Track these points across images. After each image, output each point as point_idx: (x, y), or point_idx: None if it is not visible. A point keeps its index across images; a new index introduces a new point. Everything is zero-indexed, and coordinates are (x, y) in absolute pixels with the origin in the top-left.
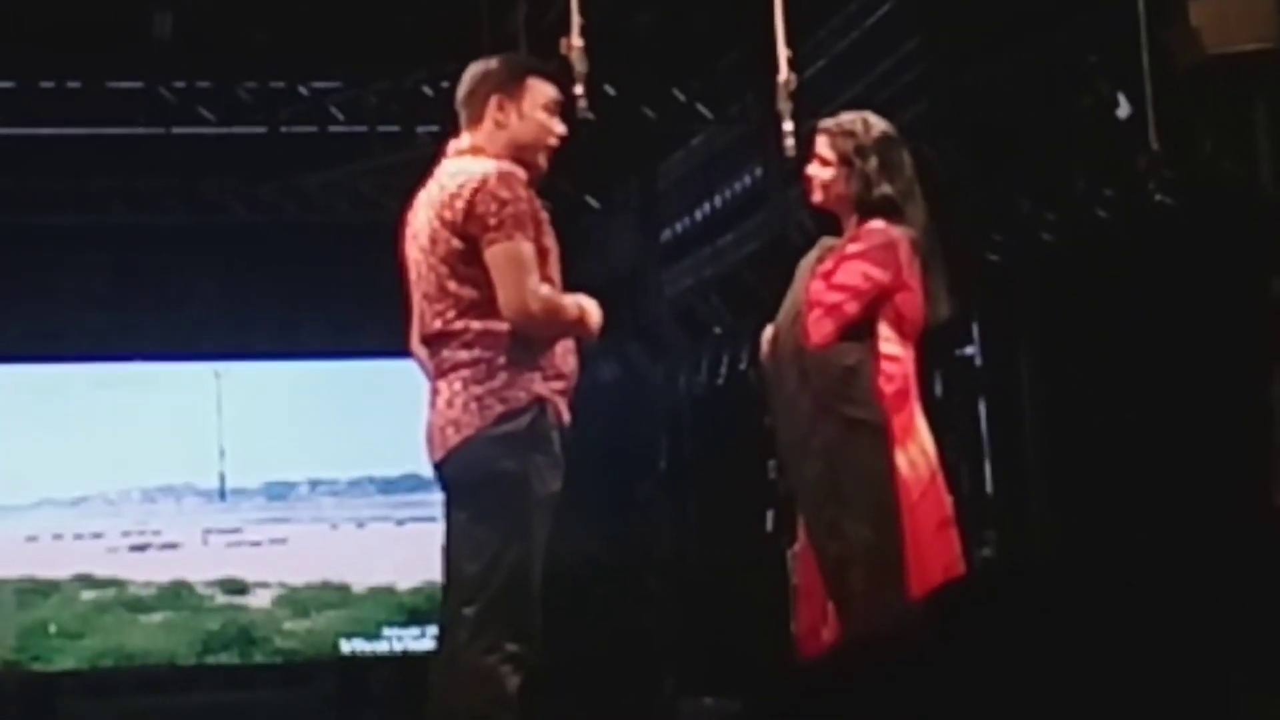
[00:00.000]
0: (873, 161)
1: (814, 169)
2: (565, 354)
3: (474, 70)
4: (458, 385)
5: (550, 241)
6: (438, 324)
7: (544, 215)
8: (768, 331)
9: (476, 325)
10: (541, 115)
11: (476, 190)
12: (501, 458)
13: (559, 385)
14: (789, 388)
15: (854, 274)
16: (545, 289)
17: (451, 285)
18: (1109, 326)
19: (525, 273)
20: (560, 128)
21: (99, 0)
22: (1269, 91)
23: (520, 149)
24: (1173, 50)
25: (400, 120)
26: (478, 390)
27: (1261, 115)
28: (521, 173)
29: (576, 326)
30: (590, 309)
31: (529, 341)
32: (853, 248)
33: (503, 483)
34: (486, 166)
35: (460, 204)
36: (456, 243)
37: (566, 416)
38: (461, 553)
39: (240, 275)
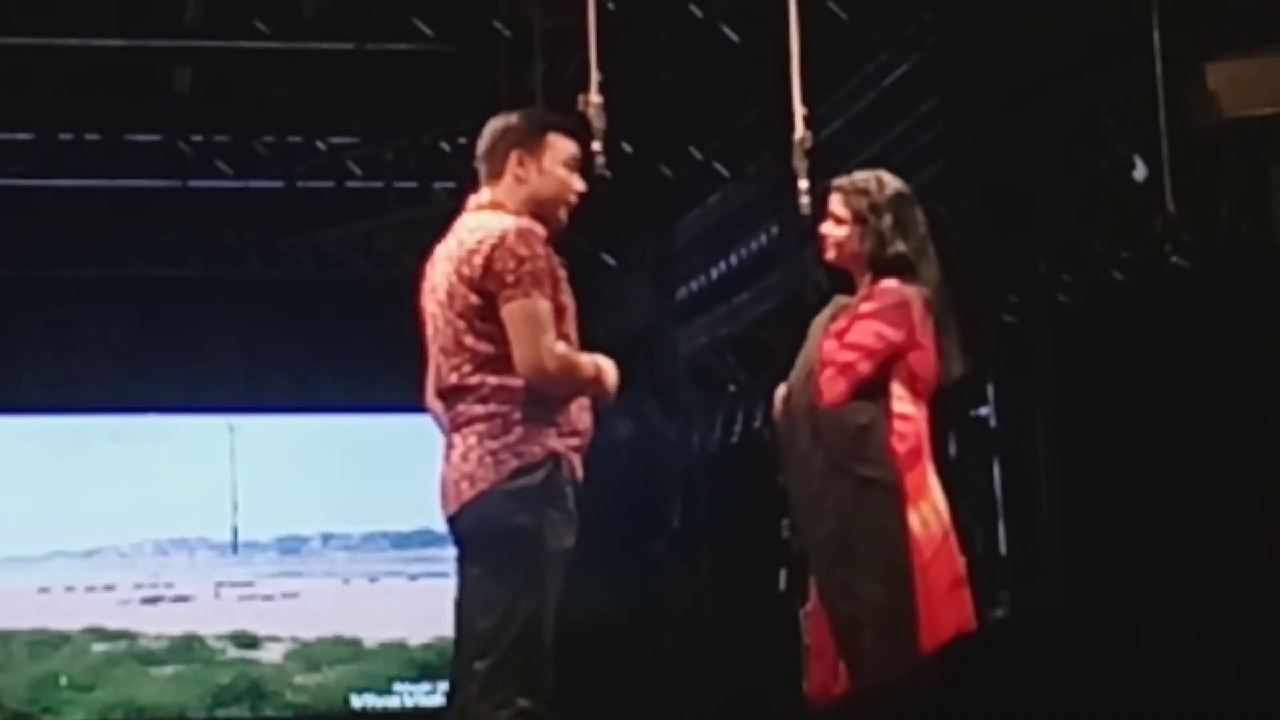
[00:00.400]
0: (886, 219)
1: (828, 227)
2: (580, 411)
3: (494, 125)
4: (473, 440)
5: (568, 299)
6: (454, 378)
7: (562, 272)
8: (781, 390)
9: (492, 380)
10: (561, 171)
11: (495, 246)
12: (516, 512)
13: (574, 441)
14: (802, 446)
15: (867, 333)
16: (561, 347)
17: (468, 340)
18: (1124, 388)
19: (541, 330)
20: (580, 184)
21: (118, 54)
22: None
23: (540, 204)
24: (1190, 113)
25: (417, 176)
26: (493, 445)
27: (1277, 178)
28: (540, 229)
29: (592, 385)
30: (607, 368)
31: (544, 398)
32: (866, 307)
33: (517, 538)
34: (506, 222)
35: (479, 259)
36: (474, 298)
37: (580, 472)
38: (474, 607)
39: (256, 329)
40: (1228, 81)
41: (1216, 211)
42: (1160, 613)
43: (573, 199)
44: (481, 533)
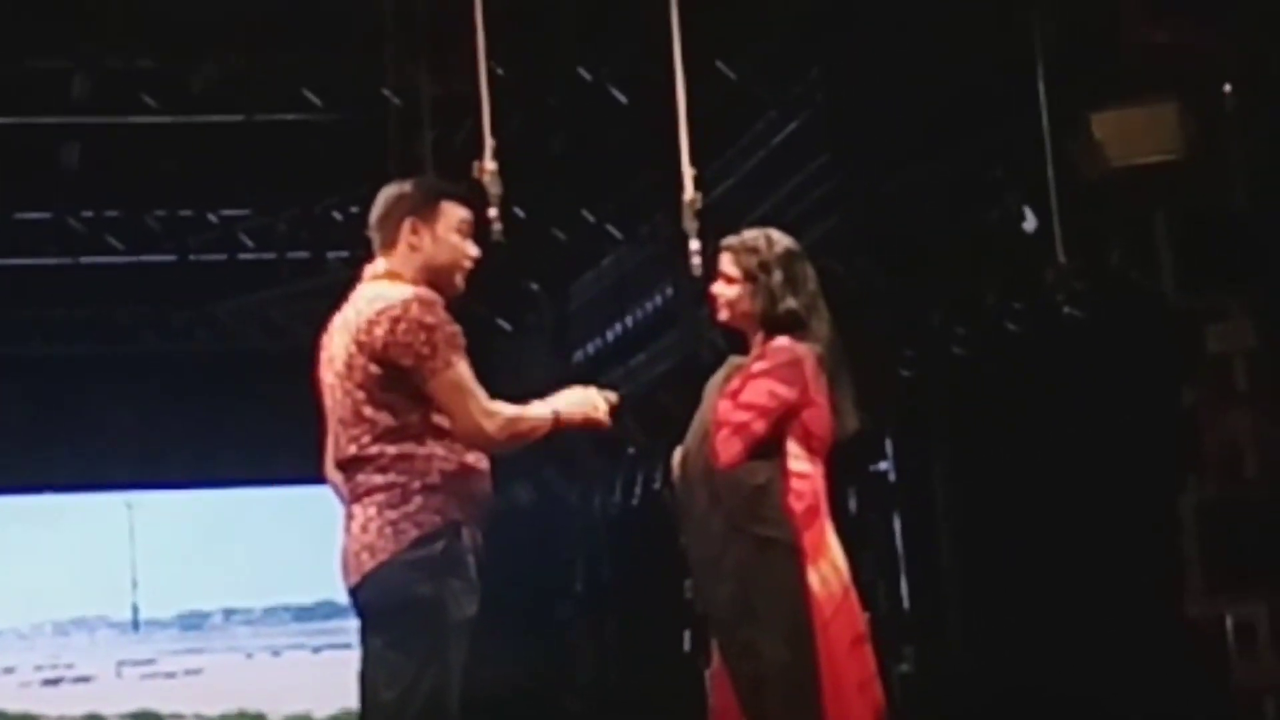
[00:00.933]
0: (777, 276)
1: (719, 287)
2: (478, 479)
3: (387, 193)
4: (372, 510)
5: (469, 362)
6: (353, 449)
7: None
8: (677, 453)
9: (391, 450)
10: (455, 238)
11: (397, 319)
12: (417, 582)
13: (473, 510)
14: (699, 508)
15: (760, 392)
16: (497, 405)
17: (368, 411)
18: (1021, 439)
19: (471, 396)
20: (474, 250)
21: (4, 130)
22: (1170, 202)
23: (435, 272)
24: (1077, 163)
25: (310, 246)
26: (392, 515)
27: (1162, 225)
28: (438, 297)
29: (537, 435)
30: (569, 403)
31: (442, 467)
32: (758, 366)
33: (418, 608)
34: (404, 292)
35: (380, 331)
36: (374, 368)
37: (481, 540)
38: (378, 679)
39: (152, 404)
40: (1113, 131)
41: (1106, 260)
42: (1060, 662)
43: (468, 265)
44: (383, 603)
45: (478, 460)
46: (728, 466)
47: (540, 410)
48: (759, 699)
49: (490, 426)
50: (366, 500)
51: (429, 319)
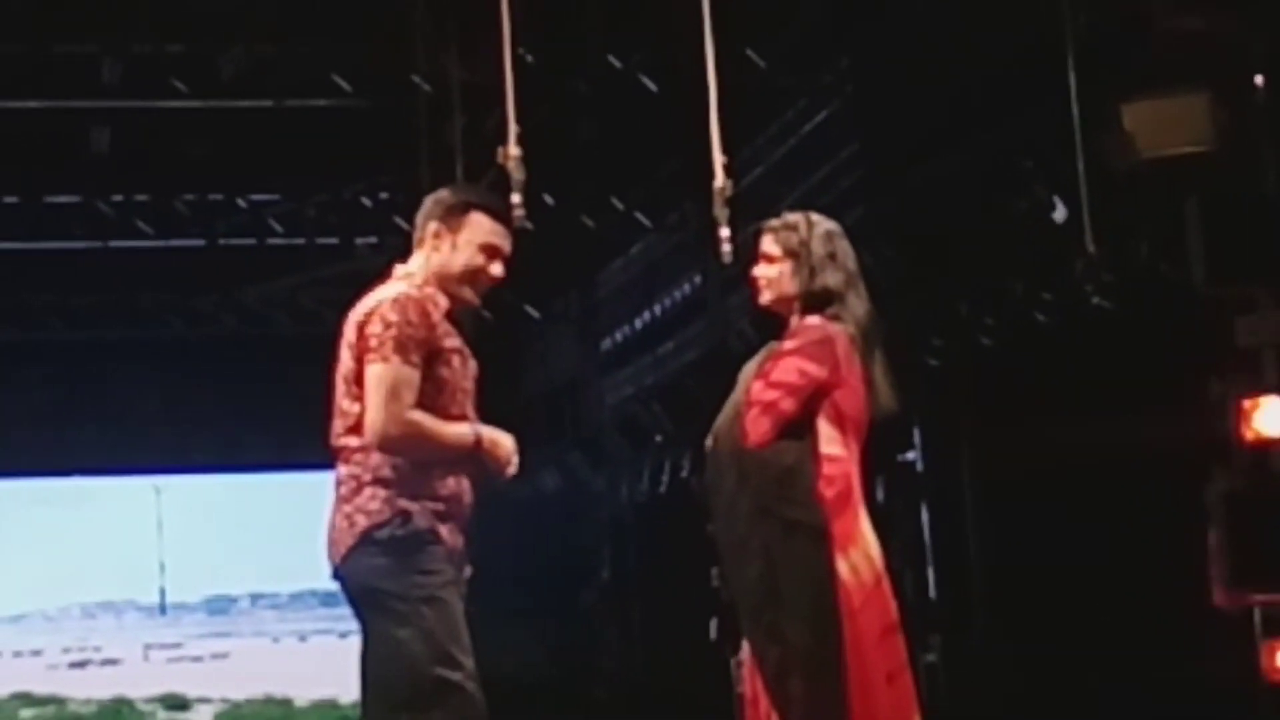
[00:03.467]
0: (818, 252)
1: (760, 269)
2: (445, 476)
3: (430, 196)
4: (337, 502)
5: (451, 373)
6: (334, 440)
7: (453, 345)
8: (710, 437)
9: (354, 443)
10: (472, 252)
11: (371, 313)
12: (368, 572)
13: (434, 506)
14: (728, 489)
15: (790, 370)
16: (414, 415)
17: (345, 403)
18: (1049, 430)
19: (389, 396)
20: (496, 270)
21: (35, 115)
22: (1201, 192)
23: (446, 279)
24: (1107, 154)
25: (339, 232)
26: (347, 508)
27: (1193, 215)
28: (439, 300)
29: (453, 454)
30: (492, 442)
31: (396, 463)
32: (789, 345)
33: (371, 596)
34: (397, 290)
35: (357, 324)
36: (350, 362)
37: (451, 537)
38: (366, 661)
39: (180, 389)
40: (1144, 122)
41: (1136, 251)
42: (1087, 652)
43: (483, 280)
44: (349, 593)
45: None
46: (757, 446)
47: (461, 430)
48: (783, 684)
49: (393, 429)
50: (336, 491)
51: (392, 316)
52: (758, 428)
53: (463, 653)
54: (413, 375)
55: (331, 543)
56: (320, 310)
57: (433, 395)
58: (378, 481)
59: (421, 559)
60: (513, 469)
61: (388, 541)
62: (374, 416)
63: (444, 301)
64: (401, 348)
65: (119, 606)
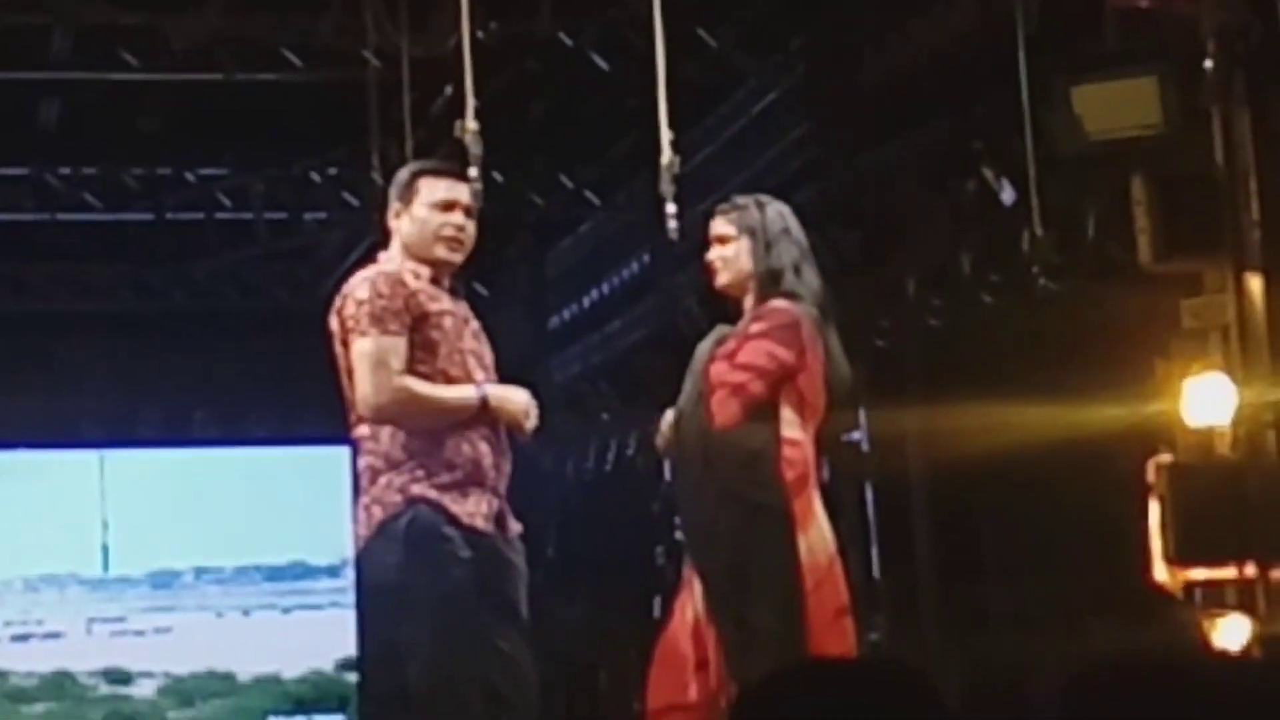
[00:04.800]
0: (773, 229)
1: (715, 251)
2: (459, 444)
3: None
4: (357, 493)
5: (443, 335)
6: (351, 434)
7: (440, 308)
8: (668, 416)
9: (365, 431)
10: (426, 212)
11: (345, 298)
12: (383, 566)
13: (446, 479)
14: (693, 472)
15: (758, 353)
16: (404, 380)
17: (348, 392)
18: (996, 411)
19: (374, 367)
20: (456, 219)
21: None
22: (1148, 172)
23: (416, 248)
24: (1055, 136)
25: (288, 207)
26: (365, 499)
27: (1139, 195)
28: (415, 270)
29: (457, 417)
30: (496, 397)
31: (405, 441)
32: (756, 327)
33: (386, 591)
34: (367, 273)
35: (335, 312)
36: (341, 351)
37: (474, 509)
38: (376, 654)
39: (127, 362)
40: (1092, 104)
41: (1083, 234)
42: (1031, 633)
43: (447, 233)
44: (366, 584)
45: (451, 425)
46: (724, 428)
47: (463, 392)
48: (748, 665)
49: (382, 398)
50: (358, 483)
51: (361, 294)
52: (726, 409)
53: (470, 656)
54: (395, 343)
55: (354, 533)
56: (269, 286)
57: (428, 360)
58: (391, 467)
59: (432, 556)
60: (531, 422)
61: (402, 534)
62: (363, 390)
63: (424, 270)
64: (377, 320)
65: (62, 579)
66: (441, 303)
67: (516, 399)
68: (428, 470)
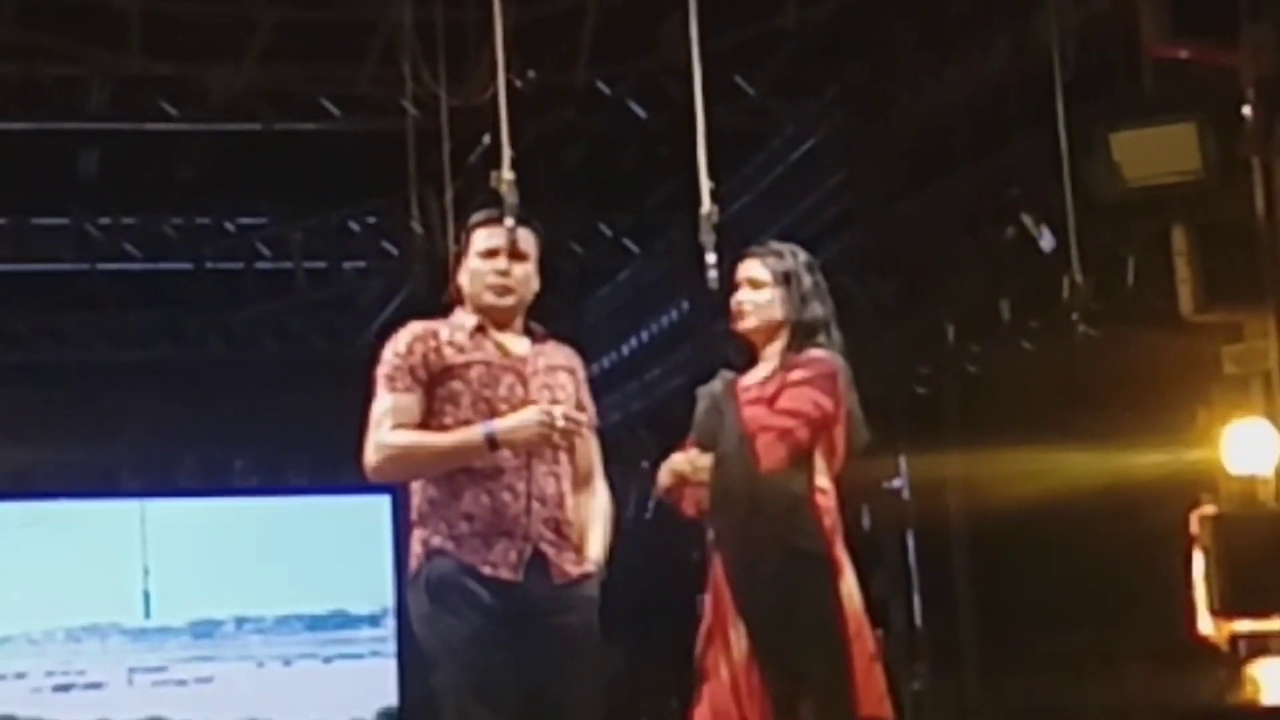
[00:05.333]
0: (806, 281)
1: (746, 294)
2: (477, 494)
3: None
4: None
5: (466, 385)
6: None
7: (467, 360)
8: (705, 459)
9: (412, 486)
10: (475, 262)
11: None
12: (415, 616)
13: (465, 529)
14: (738, 515)
15: (804, 400)
16: (392, 435)
17: None
18: (1036, 458)
19: (370, 428)
20: (497, 264)
21: (24, 138)
22: (1188, 220)
23: (470, 299)
24: (1094, 183)
25: (326, 256)
26: (408, 554)
27: (1180, 244)
28: (448, 324)
29: (463, 460)
30: (507, 431)
31: (429, 495)
32: (797, 374)
33: (418, 640)
34: (404, 329)
35: None
36: None
37: (497, 559)
38: (412, 704)
39: (166, 412)
40: (1131, 151)
41: (1122, 280)
42: (1073, 681)
43: (490, 280)
44: (407, 634)
45: (469, 472)
46: (771, 471)
47: (466, 433)
48: (794, 712)
49: (372, 457)
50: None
51: (384, 354)
52: (772, 453)
53: (502, 704)
54: (399, 400)
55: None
56: (308, 335)
57: (452, 411)
58: (418, 522)
59: (454, 603)
60: (560, 422)
61: (424, 586)
62: (364, 452)
63: (468, 321)
64: (388, 379)
65: (104, 629)
66: (470, 354)
67: (525, 420)
68: (447, 523)
